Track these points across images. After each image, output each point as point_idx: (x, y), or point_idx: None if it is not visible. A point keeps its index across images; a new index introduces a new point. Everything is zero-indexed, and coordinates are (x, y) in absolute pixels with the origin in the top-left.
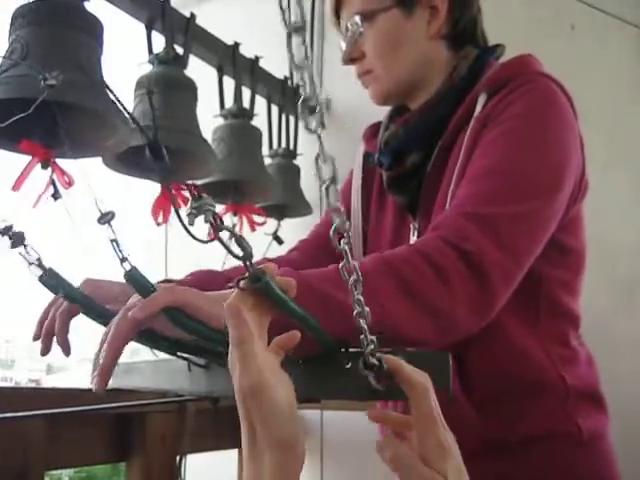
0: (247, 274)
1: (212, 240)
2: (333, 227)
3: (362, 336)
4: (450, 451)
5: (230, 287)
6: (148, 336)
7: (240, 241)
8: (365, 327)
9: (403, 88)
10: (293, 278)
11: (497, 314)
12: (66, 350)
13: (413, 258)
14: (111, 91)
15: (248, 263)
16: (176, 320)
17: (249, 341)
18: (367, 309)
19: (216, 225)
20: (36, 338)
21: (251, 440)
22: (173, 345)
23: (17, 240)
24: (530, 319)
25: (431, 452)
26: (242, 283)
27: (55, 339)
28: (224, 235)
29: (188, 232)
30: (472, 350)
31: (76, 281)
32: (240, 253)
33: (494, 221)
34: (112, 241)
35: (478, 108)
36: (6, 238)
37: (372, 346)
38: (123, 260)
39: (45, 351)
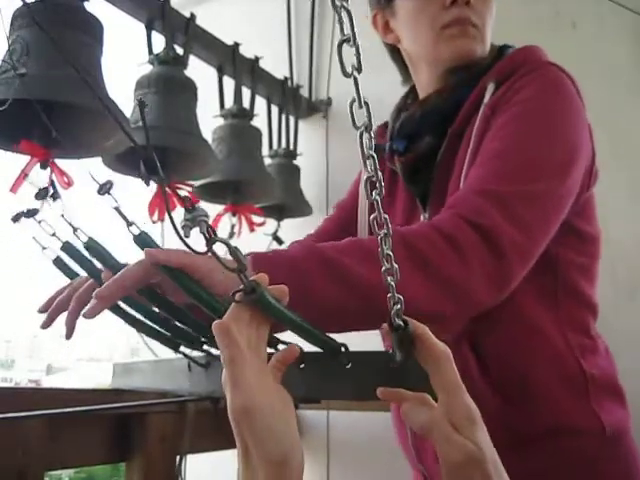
0: (242, 286)
1: (206, 252)
2: (365, 177)
3: (389, 294)
4: (478, 419)
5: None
6: (151, 295)
7: (234, 253)
8: (393, 284)
9: (479, 57)
10: (298, 250)
11: (518, 298)
12: (70, 332)
13: (429, 233)
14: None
15: (242, 275)
16: (181, 281)
17: (239, 362)
18: (396, 266)
19: (209, 237)
20: (42, 311)
21: (245, 457)
22: (170, 310)
23: (30, 213)
24: (549, 304)
25: (460, 420)
26: (237, 296)
27: (66, 319)
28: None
29: (184, 243)
30: (492, 333)
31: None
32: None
33: (507, 198)
34: (115, 208)
35: (487, 96)
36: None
37: (399, 305)
38: (130, 224)
39: (46, 325)
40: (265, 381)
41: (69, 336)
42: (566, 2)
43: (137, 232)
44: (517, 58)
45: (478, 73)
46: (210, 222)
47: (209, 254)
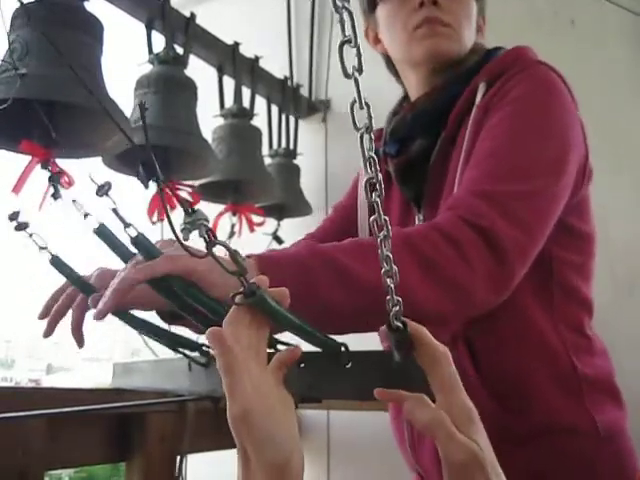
0: (242, 289)
1: (206, 256)
2: (365, 178)
3: (388, 296)
4: (477, 419)
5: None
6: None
7: (234, 256)
8: (392, 286)
9: (457, 56)
10: (302, 250)
11: (514, 297)
12: (80, 343)
13: (431, 235)
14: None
15: (242, 278)
16: (175, 287)
17: (235, 369)
18: (395, 268)
19: (209, 240)
20: (42, 317)
21: (244, 461)
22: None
23: (21, 225)
24: (545, 302)
25: (458, 418)
26: (237, 299)
27: (72, 332)
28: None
29: (183, 247)
30: (487, 332)
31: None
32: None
33: (504, 198)
34: (113, 210)
35: (478, 97)
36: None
37: (397, 307)
38: (127, 226)
39: (48, 334)
40: (264, 385)
41: (81, 345)
42: (565, 1)
43: (134, 234)
44: (507, 58)
45: (467, 72)
46: (210, 225)
47: (209, 257)
